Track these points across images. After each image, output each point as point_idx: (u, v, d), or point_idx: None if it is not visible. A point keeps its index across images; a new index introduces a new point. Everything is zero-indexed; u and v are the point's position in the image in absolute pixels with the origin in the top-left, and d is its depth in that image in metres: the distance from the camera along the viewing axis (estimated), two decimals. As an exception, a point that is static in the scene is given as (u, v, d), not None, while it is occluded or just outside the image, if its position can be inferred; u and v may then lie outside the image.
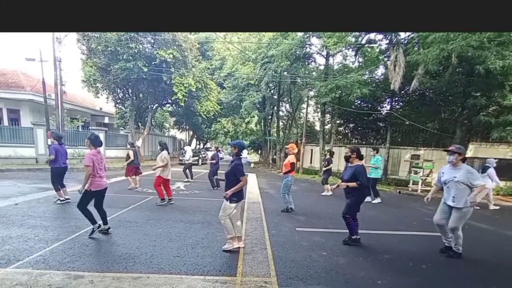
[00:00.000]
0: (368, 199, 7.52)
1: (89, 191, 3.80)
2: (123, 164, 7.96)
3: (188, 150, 10.55)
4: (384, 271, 3.27)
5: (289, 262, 3.37)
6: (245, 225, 4.81)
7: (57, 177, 5.70)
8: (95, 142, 3.92)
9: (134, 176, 7.99)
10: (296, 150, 6.15)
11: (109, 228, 4.09)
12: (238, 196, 3.57)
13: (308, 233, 4.58)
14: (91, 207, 3.92)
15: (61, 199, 5.70)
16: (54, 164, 5.61)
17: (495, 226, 5.91)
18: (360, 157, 3.99)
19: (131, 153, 7.90)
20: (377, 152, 7.79)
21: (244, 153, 40.53)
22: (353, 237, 4.10)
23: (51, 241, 3.65)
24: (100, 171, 3.89)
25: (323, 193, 8.80)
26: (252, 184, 10.30)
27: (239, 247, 3.64)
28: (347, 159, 4.06)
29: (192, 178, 10.20)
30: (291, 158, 6.00)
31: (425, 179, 10.86)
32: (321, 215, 5.76)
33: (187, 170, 10.15)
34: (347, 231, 4.26)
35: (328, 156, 9.21)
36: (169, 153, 6.26)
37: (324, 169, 9.31)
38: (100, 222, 4.00)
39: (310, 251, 3.79)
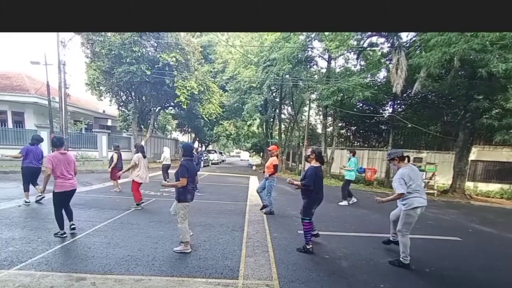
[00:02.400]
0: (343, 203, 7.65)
1: (54, 192, 3.86)
2: (110, 169, 7.75)
3: (166, 151, 10.02)
4: (387, 274, 3.25)
5: (291, 265, 3.36)
6: (247, 228, 4.81)
7: (28, 177, 5.79)
8: (54, 143, 4.05)
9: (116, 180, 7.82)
10: (278, 152, 6.28)
11: (73, 225, 4.12)
12: (187, 197, 3.58)
13: (310, 236, 4.56)
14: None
15: (27, 200, 5.71)
16: (23, 163, 5.78)
17: (498, 230, 5.85)
18: (321, 160, 3.88)
19: (115, 156, 7.78)
20: (353, 155, 7.96)
21: (246, 155, 40.32)
22: (308, 247, 3.78)
23: (53, 243, 3.66)
24: (65, 173, 3.89)
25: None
26: (253, 187, 10.28)
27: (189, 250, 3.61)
28: (306, 158, 4.03)
29: (167, 179, 9.67)
30: (273, 160, 5.99)
31: (428, 182, 10.79)
32: (323, 218, 5.72)
33: (164, 172, 9.79)
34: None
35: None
36: (145, 157, 6.09)
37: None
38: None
39: (312, 254, 3.77)
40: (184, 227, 3.54)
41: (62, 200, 3.95)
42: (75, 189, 4.09)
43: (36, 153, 5.87)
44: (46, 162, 3.80)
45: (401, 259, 3.49)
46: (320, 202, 3.86)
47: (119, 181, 7.99)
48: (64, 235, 3.90)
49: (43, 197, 5.88)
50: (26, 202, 5.67)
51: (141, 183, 5.96)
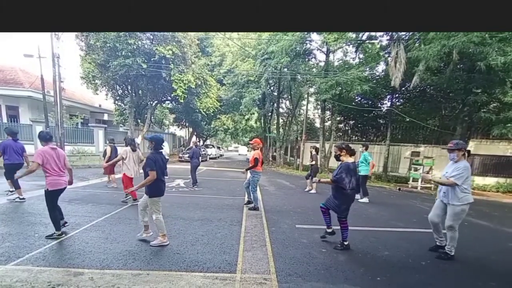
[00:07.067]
0: (356, 196, 7.22)
1: (47, 190, 3.62)
2: (105, 162, 7.20)
3: (165, 146, 10.02)
4: (384, 268, 3.28)
5: (288, 259, 3.38)
6: (245, 222, 4.82)
7: (11, 173, 5.30)
8: (42, 138, 3.72)
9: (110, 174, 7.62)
10: (261, 145, 6.02)
11: (66, 222, 4.06)
12: (157, 191, 3.57)
13: (307, 230, 4.59)
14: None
15: (21, 197, 5.47)
16: (4, 160, 5.51)
17: (494, 223, 5.93)
18: (351, 153, 3.76)
19: (108, 149, 7.50)
20: (366, 149, 7.59)
21: (244, 149, 40.25)
22: (345, 243, 3.74)
23: (51, 238, 3.64)
24: (56, 169, 3.65)
25: (311, 191, 8.65)
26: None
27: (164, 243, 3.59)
28: (338, 158, 3.81)
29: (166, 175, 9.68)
30: (256, 154, 5.71)
31: (425, 176, 10.85)
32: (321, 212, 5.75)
33: None
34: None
35: (314, 153, 8.94)
36: (134, 150, 5.80)
37: (310, 164, 9.13)
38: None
39: (310, 248, 3.79)
40: (159, 219, 3.56)
41: (55, 197, 3.72)
42: (66, 187, 3.86)
43: (16, 148, 5.49)
44: (36, 157, 3.52)
45: (447, 251, 3.61)
46: (354, 199, 3.80)
47: (116, 176, 7.79)
48: (62, 236, 3.69)
49: (17, 197, 5.47)
50: (21, 198, 5.44)
51: (132, 178, 5.72)
